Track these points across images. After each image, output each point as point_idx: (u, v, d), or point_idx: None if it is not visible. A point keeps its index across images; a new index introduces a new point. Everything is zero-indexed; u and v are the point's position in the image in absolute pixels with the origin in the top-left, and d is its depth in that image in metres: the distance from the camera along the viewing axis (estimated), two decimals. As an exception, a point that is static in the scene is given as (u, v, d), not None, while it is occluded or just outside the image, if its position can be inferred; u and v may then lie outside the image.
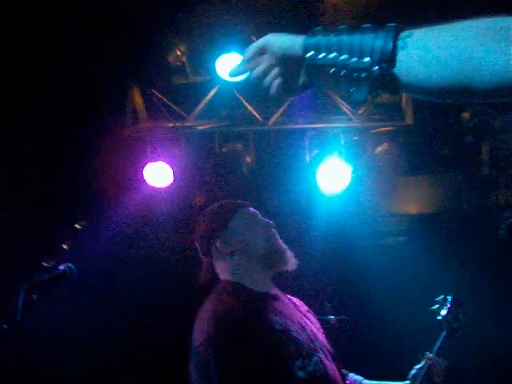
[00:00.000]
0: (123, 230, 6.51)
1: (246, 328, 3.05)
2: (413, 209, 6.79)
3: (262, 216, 3.38)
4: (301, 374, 3.04)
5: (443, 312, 3.62)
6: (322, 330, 3.56)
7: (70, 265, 3.04)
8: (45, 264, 5.51)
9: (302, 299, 3.51)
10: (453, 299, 3.67)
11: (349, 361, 3.69)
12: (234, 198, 6.22)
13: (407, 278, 6.21)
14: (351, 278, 6.61)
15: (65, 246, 6.71)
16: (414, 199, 6.79)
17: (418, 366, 3.48)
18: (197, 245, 3.43)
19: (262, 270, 3.27)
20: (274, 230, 3.35)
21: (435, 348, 3.51)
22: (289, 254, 3.34)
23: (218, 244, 3.31)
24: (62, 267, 3.01)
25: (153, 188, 6.13)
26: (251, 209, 3.41)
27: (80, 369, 6.27)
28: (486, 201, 6.48)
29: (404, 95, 5.94)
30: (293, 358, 3.06)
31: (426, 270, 6.11)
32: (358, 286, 6.52)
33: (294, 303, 3.48)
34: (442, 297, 3.68)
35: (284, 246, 3.35)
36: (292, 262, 3.34)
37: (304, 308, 3.58)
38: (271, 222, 3.38)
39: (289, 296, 3.52)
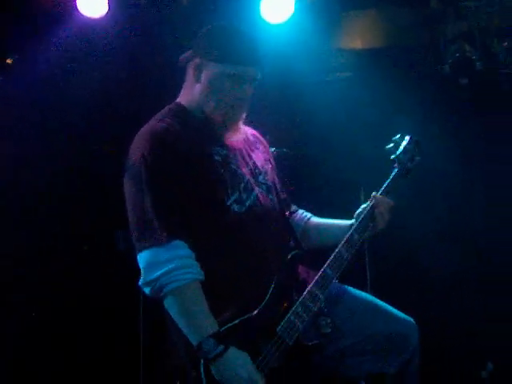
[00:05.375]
0: (59, 63, 6.21)
1: (180, 151, 2.96)
2: (359, 43, 6.60)
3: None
4: (237, 207, 3.02)
5: (398, 150, 3.47)
6: (272, 163, 3.48)
7: None
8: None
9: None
10: (410, 138, 3.52)
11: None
12: (172, 31, 5.98)
13: (353, 114, 6.14)
14: (296, 113, 6.54)
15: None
16: (361, 33, 6.58)
17: (364, 206, 3.39)
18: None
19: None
20: (240, 102, 3.16)
21: (383, 186, 3.40)
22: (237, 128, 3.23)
23: (194, 62, 3.16)
24: None
25: (87, 18, 5.77)
26: (247, 73, 3.16)
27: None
28: (433, 35, 6.32)
29: None
30: (228, 191, 3.01)
31: (372, 106, 6.03)
32: (303, 121, 6.46)
33: (246, 133, 3.37)
34: (398, 136, 3.52)
35: (239, 121, 3.22)
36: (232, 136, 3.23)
37: (255, 139, 3.48)
38: (245, 94, 3.17)
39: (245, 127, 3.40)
